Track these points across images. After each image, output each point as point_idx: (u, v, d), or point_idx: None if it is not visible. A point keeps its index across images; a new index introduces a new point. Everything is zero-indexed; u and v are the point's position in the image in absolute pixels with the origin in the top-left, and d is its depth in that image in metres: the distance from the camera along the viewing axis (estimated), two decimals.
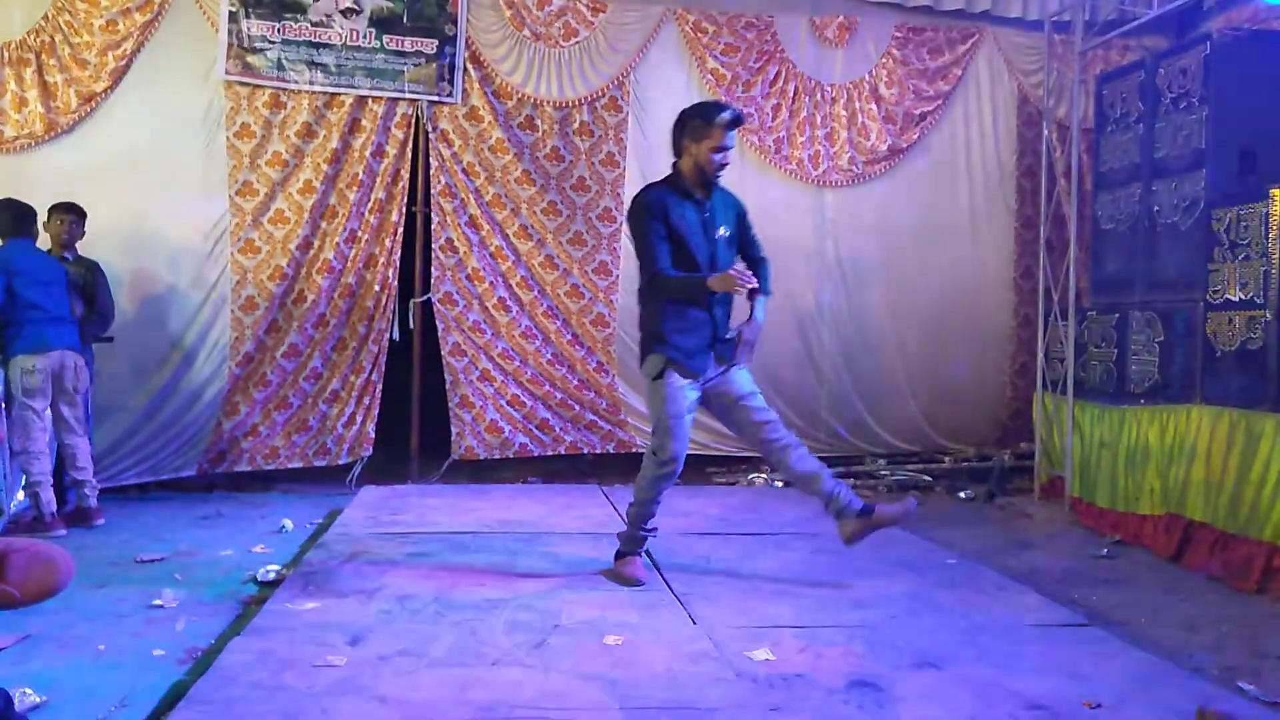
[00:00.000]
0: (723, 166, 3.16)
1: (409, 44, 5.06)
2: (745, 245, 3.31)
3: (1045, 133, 5.27)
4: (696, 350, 3.13)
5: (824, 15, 5.49)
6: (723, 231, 3.18)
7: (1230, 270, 3.76)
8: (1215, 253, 3.85)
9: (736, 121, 3.17)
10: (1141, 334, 4.35)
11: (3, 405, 3.98)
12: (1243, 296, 3.70)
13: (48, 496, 3.99)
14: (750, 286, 3.00)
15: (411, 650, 2.55)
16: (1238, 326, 3.72)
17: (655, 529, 3.35)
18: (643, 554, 3.36)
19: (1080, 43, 5.06)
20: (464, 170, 5.17)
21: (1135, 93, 4.60)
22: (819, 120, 5.50)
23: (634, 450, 5.38)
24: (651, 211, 3.12)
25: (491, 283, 5.24)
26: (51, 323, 4.05)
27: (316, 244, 5.04)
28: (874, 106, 5.54)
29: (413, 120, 5.11)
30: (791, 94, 5.46)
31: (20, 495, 4.13)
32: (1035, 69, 5.58)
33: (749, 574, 3.42)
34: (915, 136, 5.59)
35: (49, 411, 4.10)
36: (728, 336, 3.19)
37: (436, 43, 5.08)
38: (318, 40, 4.96)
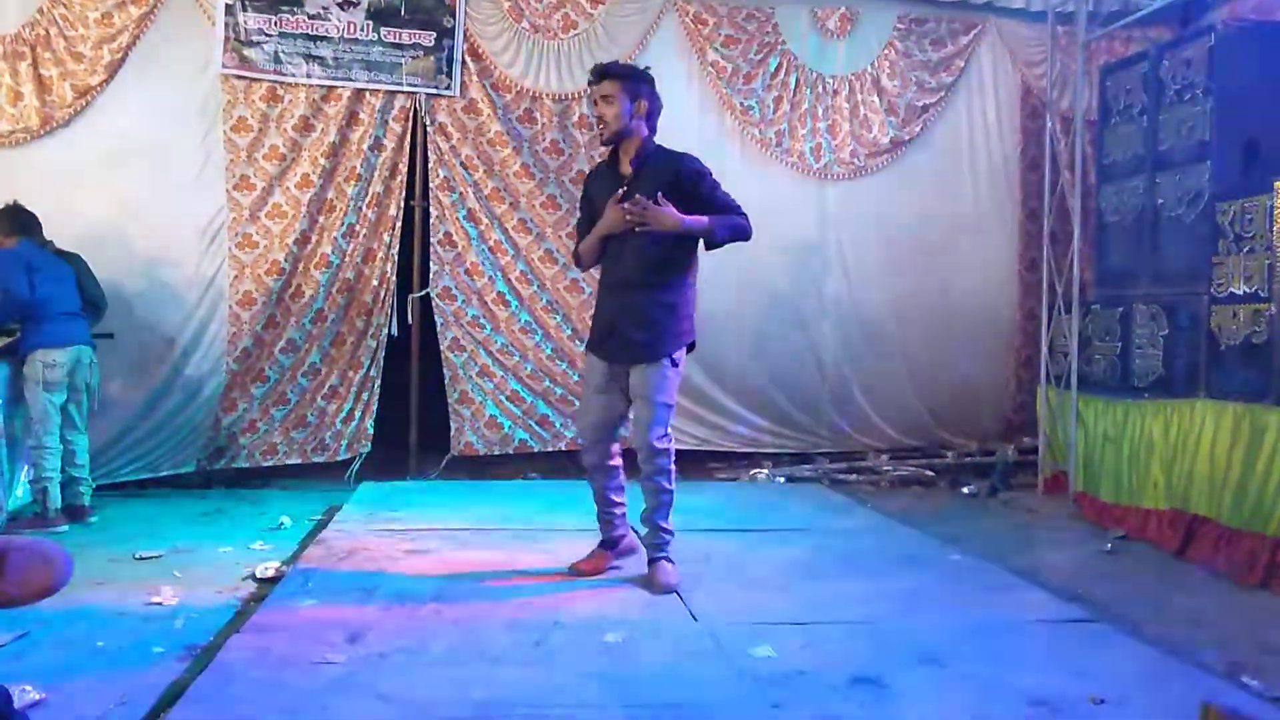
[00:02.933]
0: (600, 122, 2.99)
1: (407, 36, 5.02)
2: (699, 209, 2.98)
3: (1049, 125, 5.24)
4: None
5: (825, 6, 5.45)
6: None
7: (1235, 263, 3.74)
8: (1219, 246, 3.83)
9: (593, 73, 3.02)
10: (1146, 327, 4.32)
11: (1, 401, 3.97)
12: (1247, 290, 3.67)
13: (54, 493, 4.00)
14: (639, 217, 2.82)
15: (411, 647, 2.54)
16: (1242, 320, 3.69)
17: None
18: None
19: (1084, 34, 5.02)
20: (463, 164, 5.15)
21: (1139, 84, 4.57)
22: (820, 112, 5.47)
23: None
24: (582, 189, 3.22)
25: (490, 277, 5.22)
26: (70, 318, 4.11)
27: (314, 239, 5.01)
28: (876, 98, 5.51)
29: (411, 113, 5.08)
30: (793, 86, 5.43)
31: (19, 492, 4.12)
32: (1039, 60, 5.54)
33: (750, 570, 3.40)
34: (918, 129, 5.56)
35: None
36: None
37: (434, 35, 5.05)
38: (315, 33, 4.93)
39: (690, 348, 3.15)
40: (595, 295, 3.24)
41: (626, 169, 3.04)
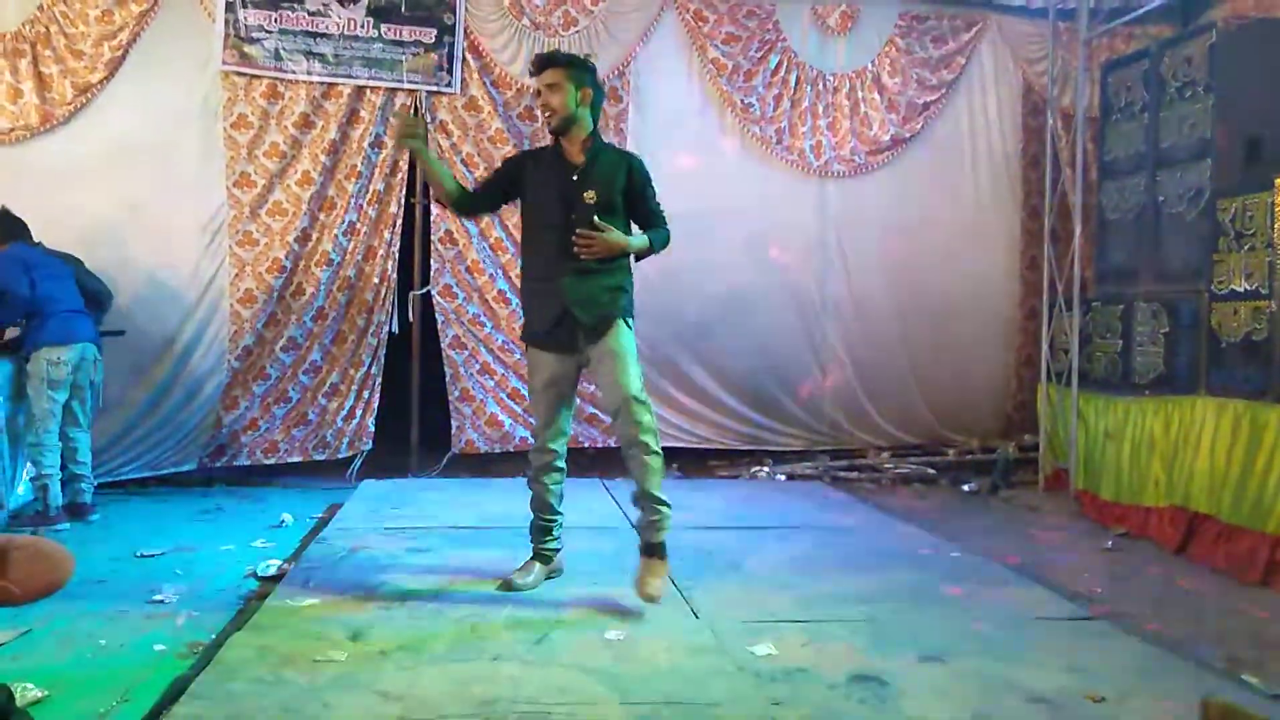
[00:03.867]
0: (546, 110, 2.95)
1: (407, 33, 5.02)
2: (640, 218, 3.04)
3: (1050, 122, 5.23)
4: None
5: (826, 4, 5.44)
6: (589, 197, 2.92)
7: (1235, 260, 3.74)
8: (1220, 243, 3.83)
9: (531, 67, 3.02)
10: (1146, 325, 4.32)
11: (2, 398, 3.97)
12: (1248, 287, 3.67)
13: (55, 490, 4.01)
14: (589, 247, 2.85)
15: (412, 645, 2.54)
16: (1243, 317, 3.69)
17: None
18: None
19: (1085, 31, 5.02)
20: (463, 161, 5.14)
21: (1140, 81, 4.56)
22: (821, 110, 5.46)
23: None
24: (513, 160, 3.18)
25: (491, 275, 5.22)
26: (73, 315, 4.10)
27: (315, 236, 5.01)
28: (877, 96, 5.50)
29: (411, 110, 5.08)
30: (793, 83, 5.42)
31: (20, 489, 4.13)
32: (1040, 57, 5.53)
33: (751, 567, 3.41)
34: (918, 126, 5.55)
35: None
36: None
37: (435, 32, 5.04)
38: (315, 30, 4.93)
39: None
40: (523, 287, 3.15)
41: (578, 158, 2.98)
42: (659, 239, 3.06)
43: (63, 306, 4.06)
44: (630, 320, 3.00)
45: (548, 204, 2.98)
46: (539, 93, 2.97)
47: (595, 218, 2.90)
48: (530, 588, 3.05)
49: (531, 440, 3.14)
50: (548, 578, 3.15)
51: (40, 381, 3.99)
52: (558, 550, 3.19)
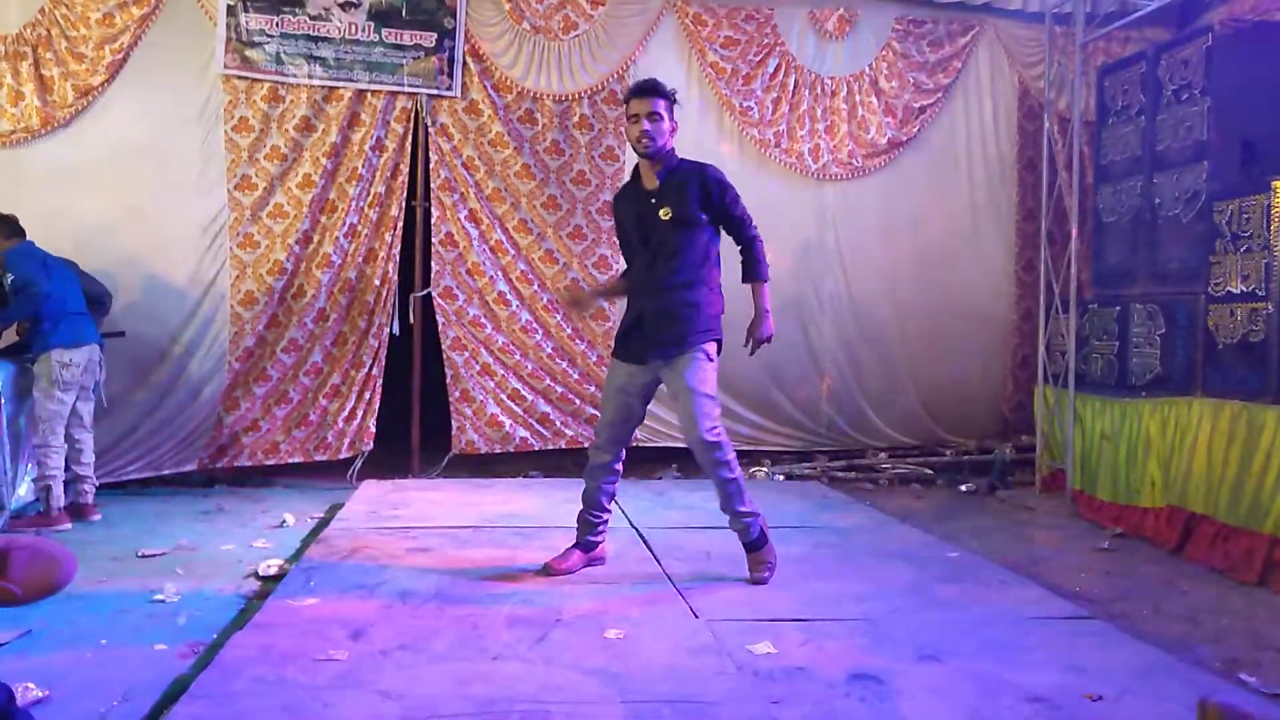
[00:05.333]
0: (641, 138, 3.05)
1: (408, 37, 5.04)
2: (725, 225, 3.17)
3: (1046, 125, 5.26)
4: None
5: (824, 8, 5.46)
6: (664, 214, 3.07)
7: (1232, 262, 3.75)
8: (1217, 245, 3.84)
9: (638, 90, 3.10)
10: (1143, 326, 4.34)
11: (4, 400, 3.98)
12: (1244, 289, 3.69)
13: (59, 491, 4.01)
14: (759, 346, 3.14)
15: (412, 645, 2.55)
16: (1239, 319, 3.71)
17: None
18: None
19: (1081, 34, 5.04)
20: (464, 164, 5.16)
21: (1136, 85, 4.58)
22: (819, 113, 5.48)
23: (633, 445, 5.36)
24: (613, 213, 3.36)
25: (491, 277, 5.23)
26: (81, 317, 4.13)
27: (316, 238, 5.03)
28: (874, 99, 5.53)
29: (412, 114, 5.09)
30: (791, 87, 5.44)
31: (22, 490, 4.13)
32: (1036, 61, 5.56)
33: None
34: (915, 130, 5.58)
35: None
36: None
37: (435, 36, 5.06)
38: (316, 34, 4.95)
39: (718, 346, 3.20)
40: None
41: (652, 183, 3.14)
42: (756, 263, 3.17)
43: (71, 308, 4.08)
44: (709, 349, 3.12)
45: (632, 227, 3.18)
46: (639, 118, 3.05)
47: (671, 233, 3.07)
48: (569, 573, 3.22)
49: (595, 438, 3.31)
50: (587, 565, 3.30)
51: (50, 383, 3.99)
52: (600, 543, 3.35)
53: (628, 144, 5.23)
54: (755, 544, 3.21)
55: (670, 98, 3.10)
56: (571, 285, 3.16)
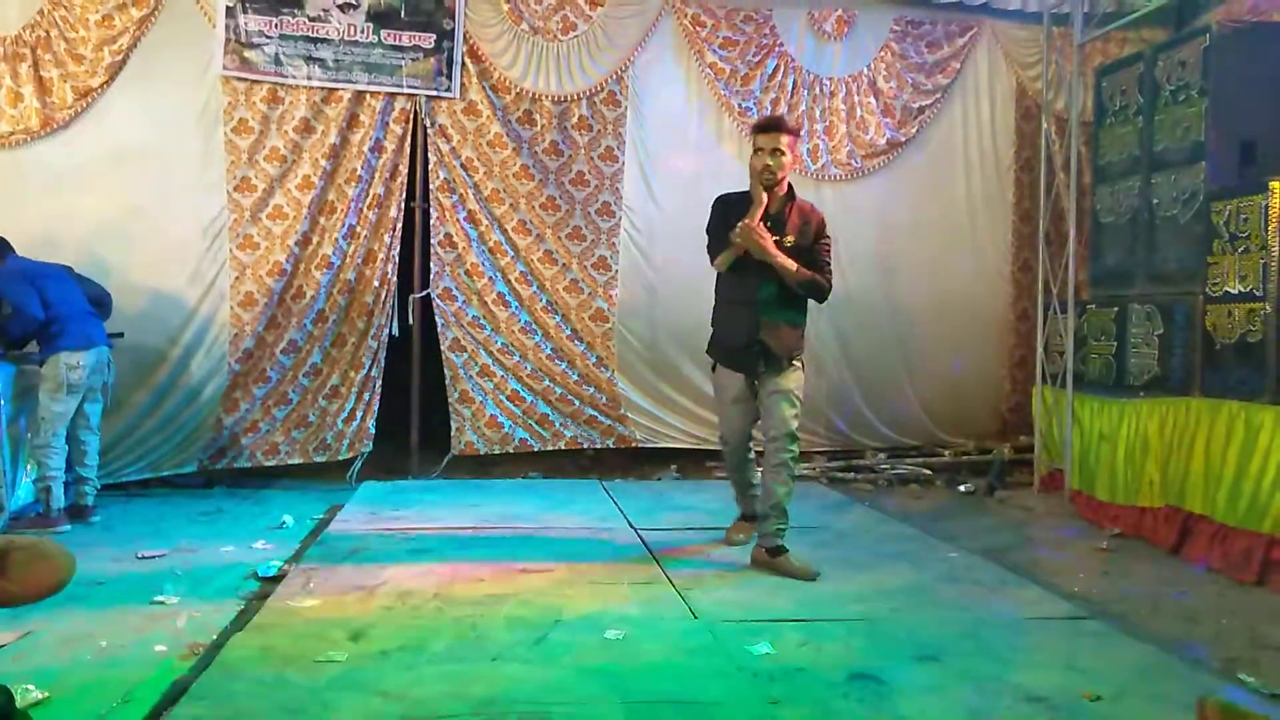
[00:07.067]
0: (765, 170, 3.31)
1: (407, 38, 5.04)
2: (809, 260, 3.41)
3: (1044, 126, 5.26)
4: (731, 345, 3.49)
5: (822, 9, 5.47)
6: (788, 241, 3.35)
7: (1229, 263, 3.76)
8: (1214, 245, 3.85)
9: (767, 125, 3.37)
10: (1141, 327, 4.35)
11: (3, 401, 3.98)
12: (1242, 289, 3.70)
13: (58, 492, 4.01)
14: (754, 238, 3.24)
15: (412, 646, 2.56)
16: (1237, 319, 3.72)
17: None
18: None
19: (1079, 35, 5.05)
20: (462, 165, 5.16)
21: (1134, 85, 4.59)
22: (817, 114, 5.49)
23: (634, 445, 5.38)
24: (713, 209, 3.52)
25: (490, 278, 5.24)
26: (87, 318, 4.12)
27: (315, 240, 5.03)
28: (872, 100, 5.53)
29: (411, 115, 5.10)
30: (790, 88, 5.45)
31: (20, 491, 4.13)
32: (1034, 62, 5.57)
33: (749, 568, 3.42)
34: (914, 130, 5.59)
35: None
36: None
37: (434, 37, 5.07)
38: (315, 35, 4.95)
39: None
40: (717, 310, 3.57)
41: (773, 206, 3.38)
42: (813, 282, 3.38)
43: (76, 311, 4.07)
44: (802, 359, 3.49)
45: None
46: (765, 150, 3.31)
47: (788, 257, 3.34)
48: (743, 544, 3.61)
49: (721, 445, 3.69)
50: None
51: (56, 385, 3.99)
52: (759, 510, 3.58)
53: (626, 143, 5.30)
54: (782, 548, 3.40)
55: (795, 134, 3.40)
56: (745, 229, 3.30)
